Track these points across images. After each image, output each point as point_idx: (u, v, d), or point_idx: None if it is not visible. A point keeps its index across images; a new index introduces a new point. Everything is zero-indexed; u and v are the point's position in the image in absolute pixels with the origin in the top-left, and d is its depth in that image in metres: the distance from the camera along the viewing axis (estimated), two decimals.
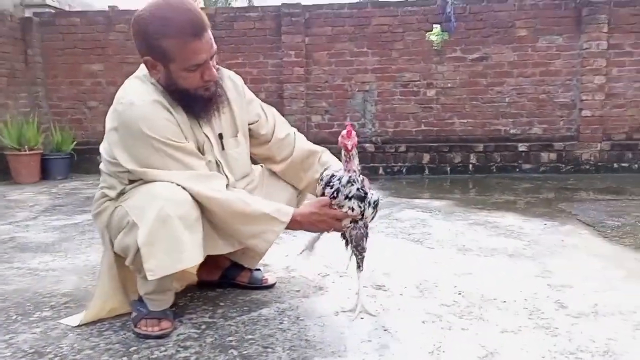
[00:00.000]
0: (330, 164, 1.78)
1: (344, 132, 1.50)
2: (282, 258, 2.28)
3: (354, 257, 1.69)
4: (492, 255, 2.36)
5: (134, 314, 1.59)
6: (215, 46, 1.50)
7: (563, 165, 5.36)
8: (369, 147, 5.51)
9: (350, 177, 1.55)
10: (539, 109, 5.46)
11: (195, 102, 1.53)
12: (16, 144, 5.12)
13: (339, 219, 1.59)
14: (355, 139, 1.51)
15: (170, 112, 1.50)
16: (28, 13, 6.06)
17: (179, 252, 1.42)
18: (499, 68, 5.45)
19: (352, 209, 1.57)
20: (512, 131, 5.51)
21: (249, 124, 1.75)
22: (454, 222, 3.07)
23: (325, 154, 1.84)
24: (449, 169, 5.47)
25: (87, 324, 1.61)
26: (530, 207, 3.55)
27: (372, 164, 5.52)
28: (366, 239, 1.66)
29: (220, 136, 1.65)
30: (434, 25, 5.46)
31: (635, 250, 2.41)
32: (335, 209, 1.57)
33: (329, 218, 1.59)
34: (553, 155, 5.37)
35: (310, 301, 1.80)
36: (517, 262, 2.25)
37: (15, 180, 5.17)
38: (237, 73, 1.80)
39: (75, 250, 2.54)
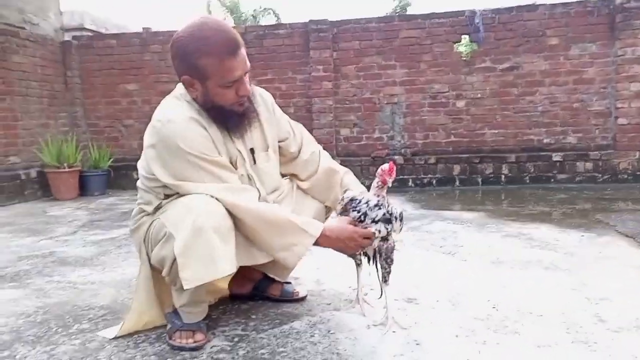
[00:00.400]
0: (350, 186, 1.81)
1: (386, 166, 1.57)
2: (313, 271, 2.29)
3: (380, 272, 1.72)
4: (526, 267, 2.31)
5: (168, 326, 1.62)
6: (249, 63, 1.56)
7: (600, 175, 5.21)
8: (398, 159, 5.49)
9: (378, 200, 1.60)
10: (573, 118, 5.33)
11: (230, 117, 1.59)
12: (56, 161, 5.32)
13: (368, 237, 1.62)
14: (394, 176, 1.58)
15: (205, 129, 1.56)
16: (67, 37, 6.34)
17: (214, 262, 1.45)
18: (530, 77, 5.36)
19: (379, 231, 1.61)
20: (545, 141, 5.40)
21: (279, 141, 1.80)
22: (487, 234, 3.02)
23: (347, 176, 1.87)
24: (480, 180, 5.39)
25: (123, 336, 1.65)
26: (566, 218, 3.46)
27: (401, 176, 5.48)
28: (394, 251, 1.69)
29: (252, 151, 1.69)
30: (462, 36, 5.43)
31: None
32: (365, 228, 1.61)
33: (359, 237, 1.61)
34: (589, 165, 5.23)
35: (342, 314, 1.80)
36: (553, 274, 2.20)
37: (55, 197, 5.36)
38: (266, 89, 1.85)
39: (112, 264, 2.62)
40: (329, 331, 1.66)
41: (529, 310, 1.77)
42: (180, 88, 1.63)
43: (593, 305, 1.81)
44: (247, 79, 1.57)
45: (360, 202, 1.63)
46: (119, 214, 4.25)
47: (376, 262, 1.73)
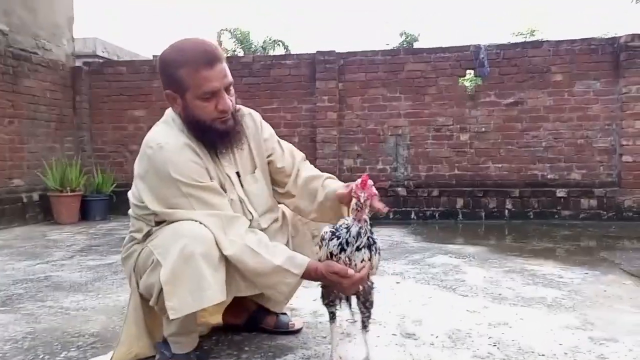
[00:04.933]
0: (332, 186, 1.68)
1: (359, 181, 1.41)
2: (310, 302, 2.24)
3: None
4: (529, 305, 2.25)
5: (157, 357, 1.57)
6: (230, 78, 1.54)
7: (604, 212, 5.15)
8: (401, 191, 5.47)
9: (360, 228, 1.44)
10: (577, 154, 5.32)
11: (211, 133, 1.55)
12: (59, 185, 5.33)
13: (357, 280, 1.46)
14: (373, 190, 1.41)
15: (197, 154, 1.54)
16: (79, 62, 6.45)
17: (202, 291, 1.40)
18: (534, 113, 5.38)
19: (363, 260, 1.45)
20: (549, 176, 5.37)
21: (266, 158, 1.75)
22: (489, 269, 2.97)
23: (330, 180, 1.74)
24: (483, 214, 5.34)
25: None
26: (570, 255, 3.40)
27: (404, 208, 5.45)
28: (373, 291, 1.56)
29: (238, 174, 1.66)
30: (467, 71, 5.48)
31: None
32: (346, 263, 1.45)
33: (349, 283, 1.46)
34: (593, 202, 5.18)
35: (337, 348, 1.74)
36: (556, 312, 2.14)
37: (56, 221, 5.35)
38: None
39: (106, 290, 2.58)
40: None
41: (531, 349, 1.72)
42: (168, 113, 1.63)
43: (597, 346, 1.75)
44: (231, 95, 1.54)
45: (340, 227, 1.47)
46: (118, 239, 4.22)
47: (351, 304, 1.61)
